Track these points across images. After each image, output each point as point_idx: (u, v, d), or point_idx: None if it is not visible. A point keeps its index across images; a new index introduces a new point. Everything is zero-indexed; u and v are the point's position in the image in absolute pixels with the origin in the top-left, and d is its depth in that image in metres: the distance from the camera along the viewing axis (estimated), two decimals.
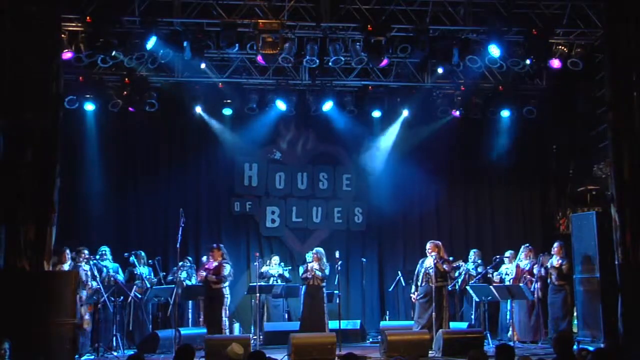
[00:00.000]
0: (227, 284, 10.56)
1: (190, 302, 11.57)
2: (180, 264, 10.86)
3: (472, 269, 11.73)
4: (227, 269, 10.52)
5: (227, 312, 10.60)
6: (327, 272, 10.81)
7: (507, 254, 11.46)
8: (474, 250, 12.13)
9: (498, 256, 11.41)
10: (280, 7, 10.39)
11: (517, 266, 11.07)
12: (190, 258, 11.87)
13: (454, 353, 9.02)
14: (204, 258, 11.28)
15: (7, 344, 6.67)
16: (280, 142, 13.40)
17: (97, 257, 10.48)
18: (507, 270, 11.25)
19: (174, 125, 12.85)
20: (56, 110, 8.34)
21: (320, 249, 11.05)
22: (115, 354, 9.78)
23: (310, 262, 10.88)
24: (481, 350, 6.68)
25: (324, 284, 10.84)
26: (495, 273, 11.42)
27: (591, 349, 6.79)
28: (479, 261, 11.88)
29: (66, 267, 9.69)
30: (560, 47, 10.88)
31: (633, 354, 8.09)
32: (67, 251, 9.89)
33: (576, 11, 10.74)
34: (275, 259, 12.19)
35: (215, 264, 10.58)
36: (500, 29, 10.45)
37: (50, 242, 8.08)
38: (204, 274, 10.53)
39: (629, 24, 9.17)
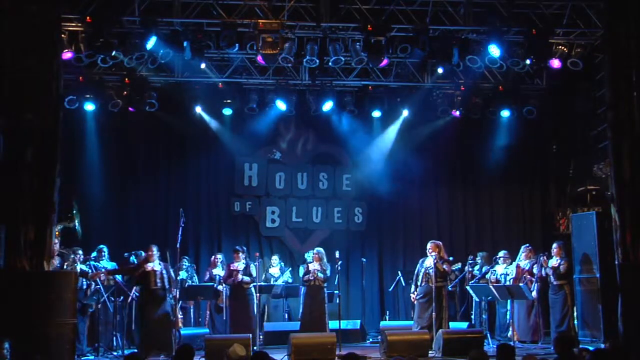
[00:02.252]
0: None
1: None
2: (178, 265, 10.87)
3: (477, 270, 11.71)
4: (254, 269, 10.76)
5: (256, 309, 10.77)
6: (328, 272, 10.80)
7: (501, 254, 11.43)
8: (482, 253, 12.05)
9: (498, 256, 11.42)
10: (280, 7, 10.40)
11: (518, 266, 11.04)
12: (187, 257, 11.86)
13: (454, 353, 9.02)
14: (219, 257, 11.44)
15: (7, 344, 6.66)
16: (280, 142, 13.40)
17: (95, 254, 10.47)
18: (507, 270, 11.24)
19: (174, 125, 12.83)
20: (56, 110, 8.32)
21: (321, 249, 11.04)
22: (115, 354, 9.78)
23: (310, 262, 10.87)
24: (482, 350, 6.67)
25: (325, 284, 10.84)
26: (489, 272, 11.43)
27: (592, 349, 6.79)
28: (479, 261, 11.87)
29: (157, 266, 9.70)
30: (560, 47, 10.89)
31: (633, 354, 8.08)
32: (155, 249, 9.85)
33: (576, 11, 10.75)
34: (275, 258, 12.19)
35: (242, 265, 10.72)
36: (500, 29, 10.45)
37: (50, 242, 8.06)
38: (241, 277, 10.63)
39: (629, 24, 9.16)
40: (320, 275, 10.72)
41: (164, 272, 9.67)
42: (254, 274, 10.71)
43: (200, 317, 11.79)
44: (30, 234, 7.84)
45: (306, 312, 10.77)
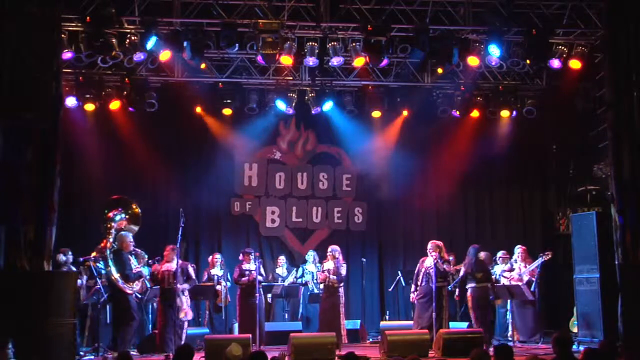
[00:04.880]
0: None
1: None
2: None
3: None
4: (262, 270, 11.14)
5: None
6: (343, 272, 10.63)
7: (500, 253, 11.43)
8: (482, 253, 11.99)
9: (497, 256, 11.41)
10: (280, 7, 10.41)
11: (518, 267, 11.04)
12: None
13: (454, 353, 9.01)
14: (217, 257, 11.50)
15: (11, 344, 6.68)
16: (280, 142, 13.40)
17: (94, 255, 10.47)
18: (505, 269, 11.23)
19: (174, 125, 12.83)
20: (56, 110, 8.33)
21: (336, 247, 10.85)
22: (115, 354, 9.76)
23: (325, 261, 10.77)
24: (483, 350, 6.66)
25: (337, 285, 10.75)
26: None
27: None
28: None
29: (173, 266, 9.87)
30: (560, 47, 10.90)
31: (633, 354, 8.08)
32: (170, 249, 9.97)
33: (576, 11, 10.76)
34: (282, 258, 12.17)
35: (254, 266, 10.62)
36: (500, 29, 10.46)
37: (50, 242, 8.07)
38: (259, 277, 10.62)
39: (629, 24, 9.17)
40: (336, 278, 10.59)
41: (179, 271, 9.82)
42: (263, 274, 10.82)
43: (200, 317, 11.79)
44: (30, 234, 7.85)
45: (322, 312, 10.74)
